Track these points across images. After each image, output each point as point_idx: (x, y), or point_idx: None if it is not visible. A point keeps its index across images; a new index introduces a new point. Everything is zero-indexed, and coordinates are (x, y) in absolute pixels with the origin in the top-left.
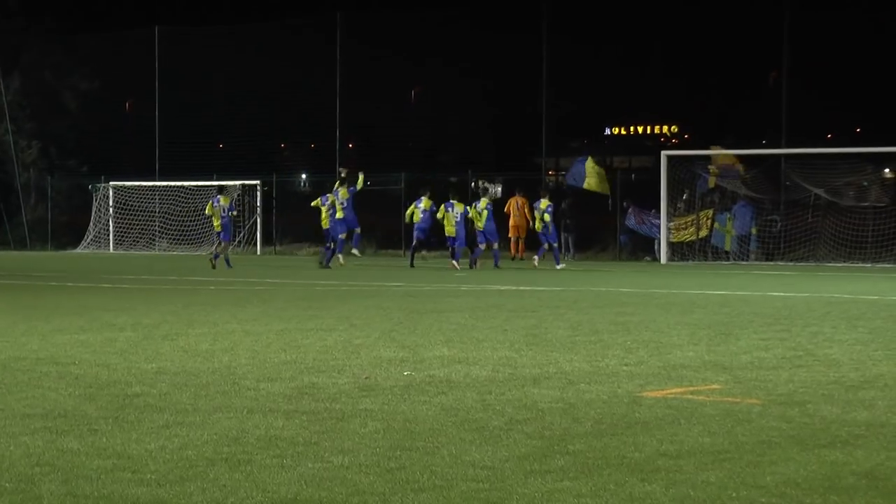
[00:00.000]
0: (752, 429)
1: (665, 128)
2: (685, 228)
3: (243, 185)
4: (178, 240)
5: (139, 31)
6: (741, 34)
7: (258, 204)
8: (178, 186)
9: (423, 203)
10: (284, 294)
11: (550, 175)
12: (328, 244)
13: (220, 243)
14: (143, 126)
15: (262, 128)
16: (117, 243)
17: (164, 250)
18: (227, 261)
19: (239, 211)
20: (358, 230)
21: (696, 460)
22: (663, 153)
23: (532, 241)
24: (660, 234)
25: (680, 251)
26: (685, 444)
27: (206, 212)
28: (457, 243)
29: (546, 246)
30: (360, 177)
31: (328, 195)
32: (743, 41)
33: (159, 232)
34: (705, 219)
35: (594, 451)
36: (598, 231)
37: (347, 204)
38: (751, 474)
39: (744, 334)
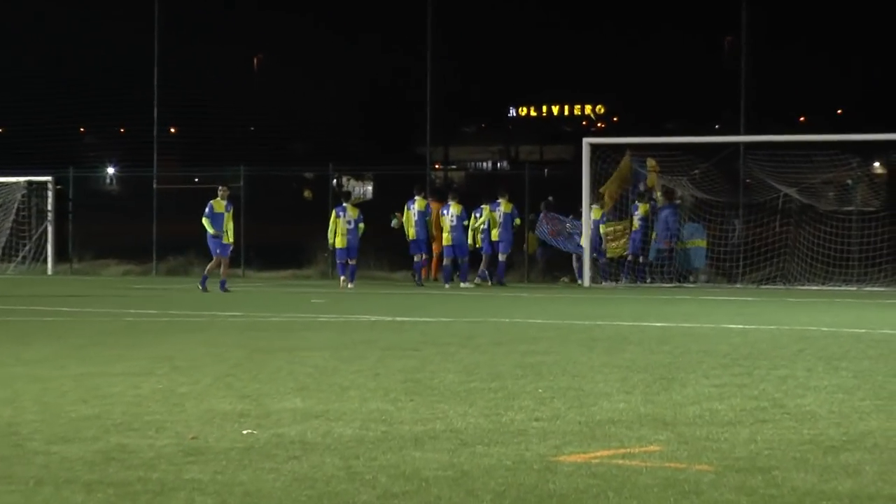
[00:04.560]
0: (702, 503)
1: (588, 108)
2: (615, 240)
3: (30, 183)
4: None
5: None
6: None
7: (49, 208)
8: None
9: (417, 203)
10: (85, 327)
11: (437, 169)
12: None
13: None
14: None
15: (55, 108)
16: None
17: None
18: (202, 282)
19: (24, 217)
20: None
21: None
22: (585, 140)
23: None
24: (580, 247)
25: (608, 269)
26: None
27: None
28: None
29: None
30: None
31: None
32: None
33: None
34: None
35: None
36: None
37: (457, 222)
38: None
39: (691, 379)
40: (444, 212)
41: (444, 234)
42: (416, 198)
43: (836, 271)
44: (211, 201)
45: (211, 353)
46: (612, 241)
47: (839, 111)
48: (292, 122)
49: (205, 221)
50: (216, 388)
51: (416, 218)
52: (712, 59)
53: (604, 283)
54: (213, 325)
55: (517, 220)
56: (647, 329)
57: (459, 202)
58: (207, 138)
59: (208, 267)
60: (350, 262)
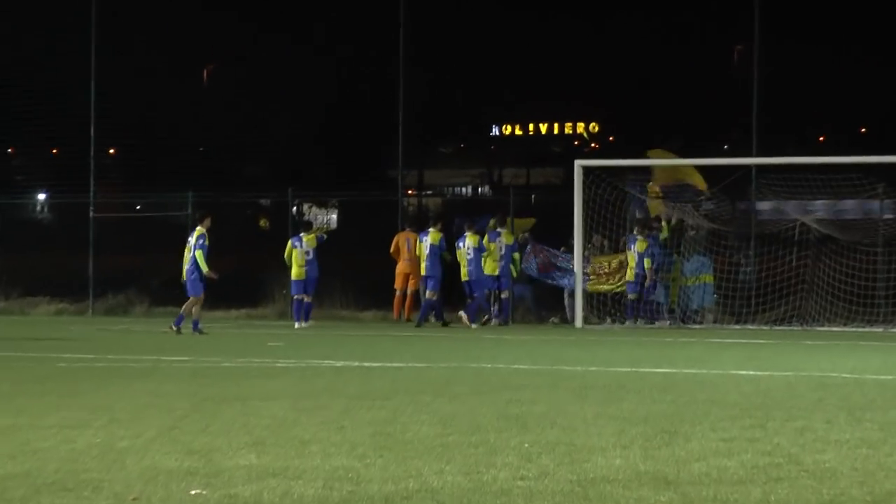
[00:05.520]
0: None
1: (580, 126)
2: (609, 274)
3: None
4: None
5: None
6: None
7: None
8: None
9: (431, 236)
10: (11, 373)
11: (411, 195)
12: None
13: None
14: None
15: None
16: None
17: None
18: (196, 324)
19: None
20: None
21: None
22: (577, 162)
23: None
24: (573, 282)
25: (602, 308)
26: None
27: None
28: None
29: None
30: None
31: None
32: (698, 2)
33: None
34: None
35: None
36: None
37: (474, 255)
38: None
39: (696, 432)
40: (460, 244)
41: (462, 269)
42: (430, 230)
43: (859, 311)
44: (200, 233)
45: (155, 402)
46: (602, 275)
47: (863, 129)
48: (247, 142)
49: (199, 255)
50: (160, 442)
51: (427, 251)
52: (720, 70)
53: (616, 323)
54: (158, 371)
55: (515, 254)
56: (647, 375)
57: (476, 233)
58: (151, 161)
59: (194, 310)
60: (306, 300)
